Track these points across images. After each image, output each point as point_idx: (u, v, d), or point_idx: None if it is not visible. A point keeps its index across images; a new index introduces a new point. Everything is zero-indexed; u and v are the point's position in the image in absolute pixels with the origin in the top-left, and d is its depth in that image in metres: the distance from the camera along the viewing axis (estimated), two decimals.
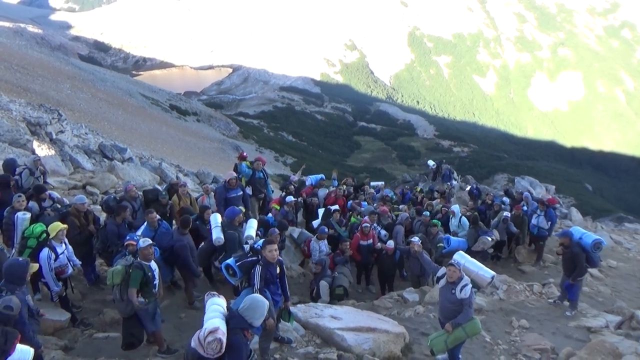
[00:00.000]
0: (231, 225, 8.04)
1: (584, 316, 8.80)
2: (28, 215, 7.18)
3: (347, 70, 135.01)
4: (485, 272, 6.55)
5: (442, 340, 6.26)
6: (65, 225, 7.05)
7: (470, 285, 6.24)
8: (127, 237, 6.73)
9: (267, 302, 4.34)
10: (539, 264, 12.60)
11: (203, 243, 8.26)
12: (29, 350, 4.22)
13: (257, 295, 4.43)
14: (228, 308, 4.33)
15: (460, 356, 6.58)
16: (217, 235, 7.81)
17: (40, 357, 5.20)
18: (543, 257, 12.72)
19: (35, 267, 5.30)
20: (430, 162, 24.69)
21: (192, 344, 3.96)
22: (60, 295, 6.89)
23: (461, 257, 6.69)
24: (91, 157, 17.32)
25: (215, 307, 4.22)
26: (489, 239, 11.62)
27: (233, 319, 4.14)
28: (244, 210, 9.06)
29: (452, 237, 11.24)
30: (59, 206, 8.15)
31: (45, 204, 8.10)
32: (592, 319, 8.58)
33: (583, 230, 9.39)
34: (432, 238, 11.73)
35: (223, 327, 3.97)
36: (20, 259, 5.32)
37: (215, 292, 4.47)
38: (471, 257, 6.83)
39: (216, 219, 8.15)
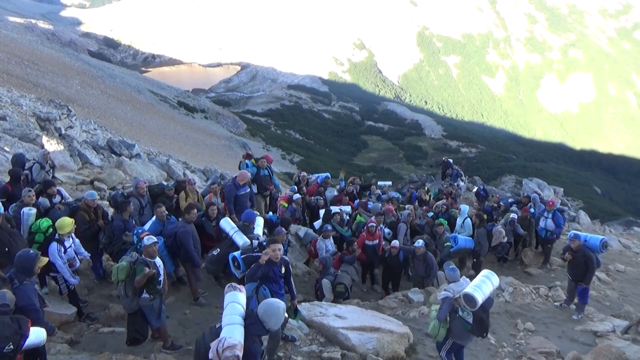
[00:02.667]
0: (248, 229, 7.79)
1: (591, 320, 8.73)
2: (34, 210, 7.24)
3: (355, 69, 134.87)
4: (469, 288, 5.76)
5: (434, 308, 6.32)
6: (73, 220, 7.10)
7: (446, 294, 6.05)
8: (134, 231, 6.74)
9: (283, 306, 4.31)
10: (546, 267, 12.51)
11: (219, 249, 7.91)
12: (43, 331, 4.67)
13: (274, 300, 4.37)
14: (248, 311, 4.29)
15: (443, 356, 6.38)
16: (243, 240, 7.41)
17: (44, 351, 5.23)
18: (550, 260, 12.63)
19: (44, 260, 5.36)
20: (443, 158, 24.46)
21: (210, 356, 3.89)
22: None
23: (487, 274, 5.98)
24: (99, 153, 17.43)
25: (236, 308, 4.17)
26: (499, 227, 11.66)
27: (252, 325, 4.12)
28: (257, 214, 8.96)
29: (459, 236, 11.17)
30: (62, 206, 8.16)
31: (55, 200, 8.16)
32: (599, 323, 8.51)
33: (584, 233, 9.38)
34: (438, 238, 11.73)
35: (242, 338, 3.95)
36: (31, 251, 5.37)
37: (237, 285, 4.47)
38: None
39: (230, 223, 7.85)
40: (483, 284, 5.78)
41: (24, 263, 5.07)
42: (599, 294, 10.63)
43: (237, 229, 7.70)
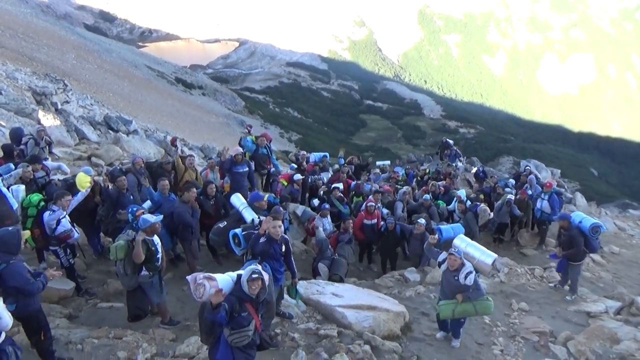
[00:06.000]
0: (255, 209, 7.86)
1: (584, 301, 8.84)
2: (22, 186, 7.29)
3: (355, 47, 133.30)
4: (486, 257, 6.50)
5: (450, 309, 6.39)
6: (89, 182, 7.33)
7: (474, 272, 6.27)
8: (134, 208, 6.71)
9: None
10: (541, 248, 12.60)
11: (226, 222, 7.98)
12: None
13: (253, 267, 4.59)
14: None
15: (461, 332, 6.78)
16: (252, 216, 7.53)
17: (46, 321, 5.26)
18: (545, 241, 12.72)
19: (27, 234, 5.26)
20: (446, 139, 23.98)
21: (189, 278, 4.31)
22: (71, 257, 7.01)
23: (461, 241, 6.72)
24: (96, 129, 17.29)
25: (240, 272, 4.53)
26: (483, 206, 11.83)
27: (235, 285, 4.44)
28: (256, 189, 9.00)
29: (442, 227, 10.99)
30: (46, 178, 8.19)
31: (38, 175, 8.12)
32: (592, 304, 8.61)
33: (584, 215, 9.39)
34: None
35: (223, 285, 4.29)
36: (10, 228, 5.22)
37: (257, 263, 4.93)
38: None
39: (240, 199, 7.98)
40: (476, 246, 6.69)
41: (8, 241, 4.82)
42: (593, 275, 10.74)
43: (247, 204, 7.77)
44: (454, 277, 6.28)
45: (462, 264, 6.24)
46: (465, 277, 6.19)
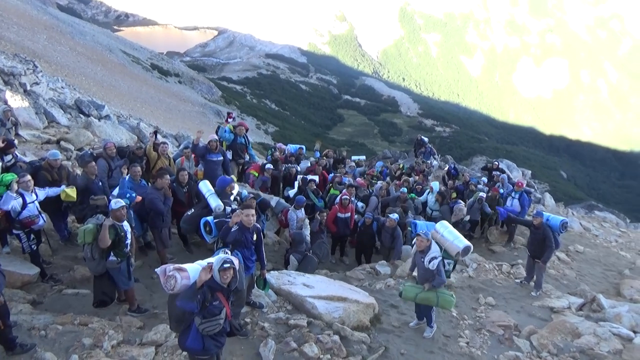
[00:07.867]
0: (223, 194, 7.81)
1: (548, 297, 9.10)
2: None
3: (335, 41, 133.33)
4: (459, 242, 6.74)
5: (414, 292, 6.67)
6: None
7: (439, 258, 6.53)
8: (133, 194, 6.66)
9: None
10: (510, 245, 12.91)
11: (193, 209, 7.90)
12: None
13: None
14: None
15: (433, 317, 7.00)
16: (216, 203, 7.52)
17: (6, 308, 5.10)
18: (514, 239, 13.04)
19: None
20: (421, 136, 24.20)
21: (158, 271, 4.25)
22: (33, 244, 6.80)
23: (442, 227, 6.97)
24: (67, 112, 16.80)
25: (210, 260, 4.46)
26: (461, 205, 12.13)
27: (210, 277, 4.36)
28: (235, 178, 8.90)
29: (418, 222, 11.12)
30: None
31: (7, 159, 7.85)
32: (556, 300, 8.88)
33: (548, 213, 9.74)
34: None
35: (193, 274, 4.25)
36: None
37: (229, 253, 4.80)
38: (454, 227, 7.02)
39: (207, 185, 7.89)
40: (454, 232, 6.88)
41: None
42: (557, 272, 11.06)
43: (212, 191, 7.70)
44: (421, 258, 6.59)
45: (429, 247, 6.51)
46: (430, 261, 6.47)
